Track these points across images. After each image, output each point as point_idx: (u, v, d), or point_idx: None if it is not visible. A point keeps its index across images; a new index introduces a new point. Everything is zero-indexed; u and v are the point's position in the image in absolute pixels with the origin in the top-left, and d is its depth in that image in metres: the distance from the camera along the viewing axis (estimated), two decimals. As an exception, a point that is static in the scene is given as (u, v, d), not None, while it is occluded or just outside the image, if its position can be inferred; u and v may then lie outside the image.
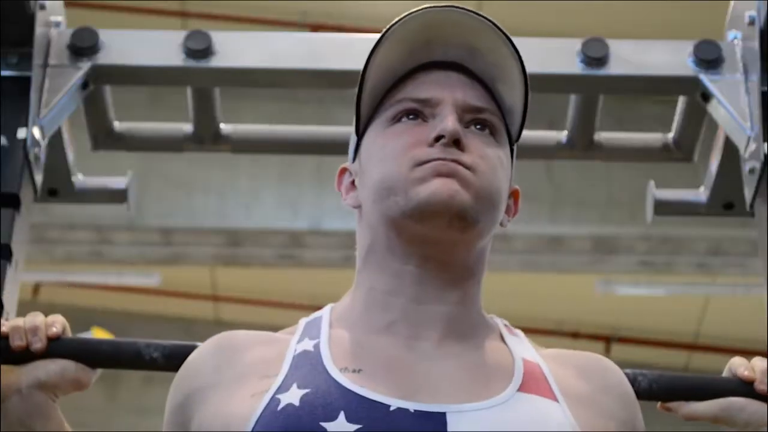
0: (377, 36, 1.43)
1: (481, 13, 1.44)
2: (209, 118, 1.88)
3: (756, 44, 1.74)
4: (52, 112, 1.69)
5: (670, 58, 1.78)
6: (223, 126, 1.90)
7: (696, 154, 1.92)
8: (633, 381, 1.49)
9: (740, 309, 8.47)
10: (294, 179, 6.98)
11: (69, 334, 1.56)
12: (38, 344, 1.53)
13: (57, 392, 1.58)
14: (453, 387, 1.36)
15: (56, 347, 1.52)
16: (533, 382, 1.37)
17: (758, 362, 1.62)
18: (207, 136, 1.90)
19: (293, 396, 1.33)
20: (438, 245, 1.42)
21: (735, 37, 1.78)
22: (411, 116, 1.46)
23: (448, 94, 1.45)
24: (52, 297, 9.33)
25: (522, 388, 1.36)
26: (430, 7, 1.45)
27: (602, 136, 1.91)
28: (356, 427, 1.30)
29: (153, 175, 6.86)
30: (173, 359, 1.52)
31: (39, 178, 1.66)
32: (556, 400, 1.36)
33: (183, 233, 7.02)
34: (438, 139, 1.42)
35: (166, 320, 9.49)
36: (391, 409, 1.32)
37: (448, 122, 1.42)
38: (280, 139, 1.94)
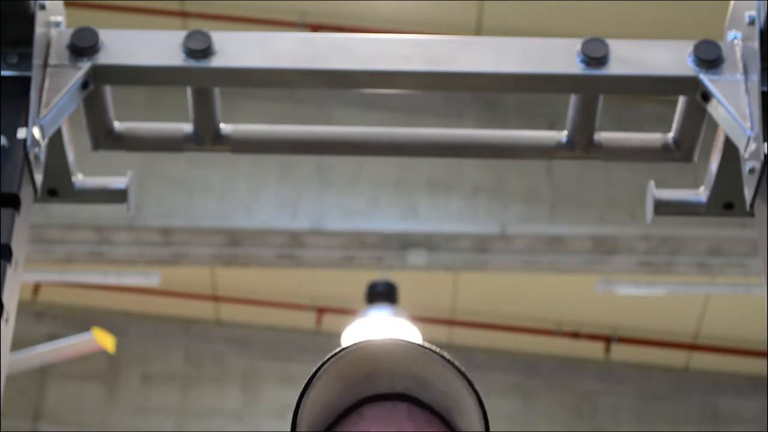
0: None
1: (427, 345, 1.31)
2: (209, 118, 1.87)
3: (756, 44, 1.74)
4: (52, 112, 1.69)
5: (670, 58, 1.78)
6: (223, 126, 1.90)
7: (696, 154, 1.92)
8: None
9: (740, 309, 8.48)
10: (294, 179, 6.99)
11: None
12: None
13: None
14: None
15: None
16: None
17: None
18: (207, 136, 1.90)
19: None
20: None
21: (735, 37, 1.78)
22: None
23: None
24: (52, 297, 9.33)
25: None
26: (368, 341, 1.31)
27: (602, 136, 1.91)
28: None
29: (153, 175, 6.87)
30: None
31: (39, 178, 1.66)
32: None
33: (183, 233, 7.03)
34: None
35: (166, 320, 9.49)
36: None
37: None
38: (280, 139, 1.94)
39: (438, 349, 1.31)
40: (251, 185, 7.01)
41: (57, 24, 1.76)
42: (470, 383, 1.30)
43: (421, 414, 1.31)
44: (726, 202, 1.87)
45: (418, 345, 1.29)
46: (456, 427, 1.31)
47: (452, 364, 1.30)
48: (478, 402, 1.30)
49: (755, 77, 1.72)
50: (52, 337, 8.10)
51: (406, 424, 1.28)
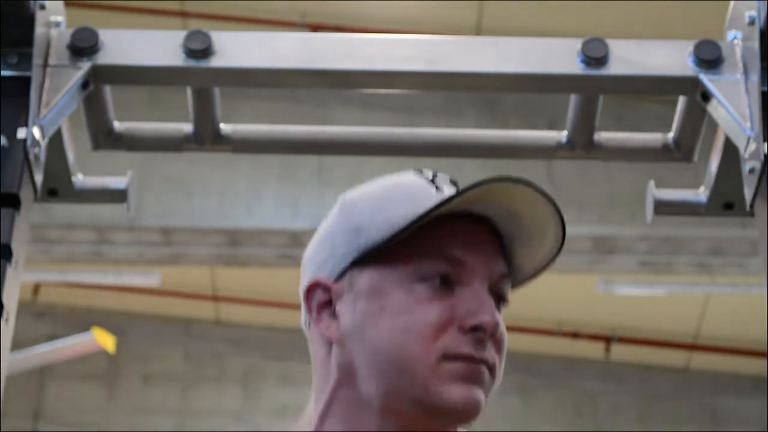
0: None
1: (550, 195, 1.34)
2: (209, 118, 1.87)
3: (756, 44, 1.74)
4: (52, 112, 1.69)
5: (670, 58, 1.77)
6: (223, 126, 1.90)
7: (696, 154, 1.91)
8: None
9: (740, 309, 8.48)
10: (294, 179, 6.99)
11: None
12: None
13: None
14: None
15: None
16: None
17: None
18: (207, 136, 1.90)
19: None
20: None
21: (735, 37, 1.78)
22: (441, 280, 1.32)
23: (483, 263, 1.34)
24: (52, 297, 9.34)
25: None
26: (521, 180, 1.32)
27: (602, 136, 1.91)
28: None
29: (153, 175, 6.87)
30: None
31: (39, 178, 1.66)
32: None
33: (183, 233, 7.03)
34: (474, 328, 1.30)
35: (166, 320, 9.50)
36: None
37: (487, 313, 1.31)
38: (280, 139, 1.94)
39: (557, 205, 1.35)
40: (251, 185, 7.02)
41: (57, 24, 1.76)
42: (562, 239, 1.36)
43: (491, 238, 1.36)
44: (726, 202, 1.87)
45: (544, 195, 1.33)
46: (513, 252, 1.38)
47: (561, 220, 1.35)
48: (555, 253, 1.37)
49: (755, 77, 1.72)
50: (52, 337, 8.11)
51: (489, 255, 1.35)
